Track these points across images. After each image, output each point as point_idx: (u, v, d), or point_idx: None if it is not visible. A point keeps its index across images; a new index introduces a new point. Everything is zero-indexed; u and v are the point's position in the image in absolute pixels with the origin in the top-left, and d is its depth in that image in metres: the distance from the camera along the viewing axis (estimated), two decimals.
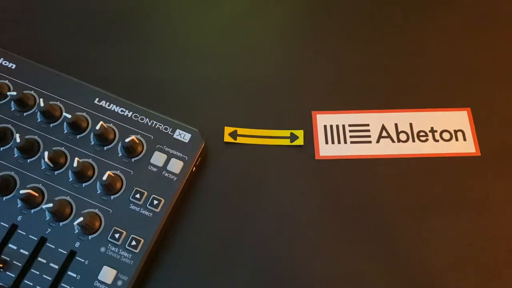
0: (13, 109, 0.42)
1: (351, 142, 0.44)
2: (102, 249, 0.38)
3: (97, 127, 0.40)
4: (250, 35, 0.50)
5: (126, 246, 0.38)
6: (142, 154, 0.41)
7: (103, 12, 0.50)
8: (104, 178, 0.38)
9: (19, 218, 0.39)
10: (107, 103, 0.42)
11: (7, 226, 0.38)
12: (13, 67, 0.44)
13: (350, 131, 0.45)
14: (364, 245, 0.40)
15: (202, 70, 0.48)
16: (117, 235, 0.38)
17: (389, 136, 0.44)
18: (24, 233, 0.38)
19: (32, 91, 0.43)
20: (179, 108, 0.45)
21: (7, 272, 0.37)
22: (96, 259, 0.37)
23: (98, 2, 0.51)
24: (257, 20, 0.50)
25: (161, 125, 0.42)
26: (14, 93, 0.41)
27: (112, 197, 0.39)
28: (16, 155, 0.40)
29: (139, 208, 0.39)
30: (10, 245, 0.38)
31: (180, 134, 0.42)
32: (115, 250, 0.38)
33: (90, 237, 0.38)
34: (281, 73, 0.47)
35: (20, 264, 0.37)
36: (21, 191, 0.38)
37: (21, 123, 0.42)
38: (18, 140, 0.39)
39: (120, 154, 0.41)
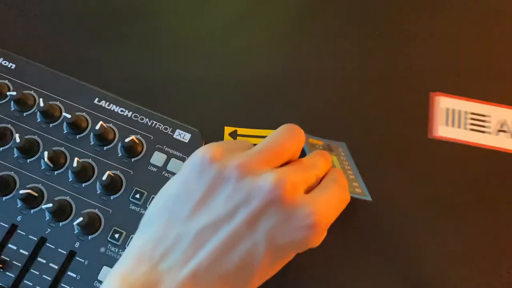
0: (12, 109, 0.42)
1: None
2: (102, 249, 0.38)
3: (97, 127, 0.40)
4: (251, 34, 0.50)
5: (126, 246, 0.38)
6: (142, 154, 0.41)
7: (103, 12, 0.50)
8: (104, 178, 0.38)
9: (19, 218, 0.39)
10: (107, 103, 0.42)
11: (7, 226, 0.38)
12: (13, 67, 0.44)
13: None
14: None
15: (202, 70, 0.48)
16: (117, 235, 0.38)
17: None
18: (24, 233, 0.38)
19: (32, 91, 0.43)
20: (179, 108, 0.45)
21: (7, 272, 0.37)
22: (96, 259, 0.37)
23: (98, 1, 0.51)
24: (257, 20, 0.50)
25: (161, 125, 0.42)
26: (14, 93, 0.41)
27: (112, 197, 0.39)
28: (15, 155, 0.40)
29: (139, 208, 0.39)
30: (9, 245, 0.38)
31: (180, 134, 0.42)
32: (115, 250, 0.38)
33: (90, 237, 0.38)
34: (281, 73, 0.47)
35: (19, 264, 0.37)
36: (21, 191, 0.38)
37: (21, 123, 0.41)
38: (17, 140, 0.39)
39: (120, 154, 0.41)
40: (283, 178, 0.29)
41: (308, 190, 0.32)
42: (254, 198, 0.29)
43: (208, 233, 0.29)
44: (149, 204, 0.39)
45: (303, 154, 0.35)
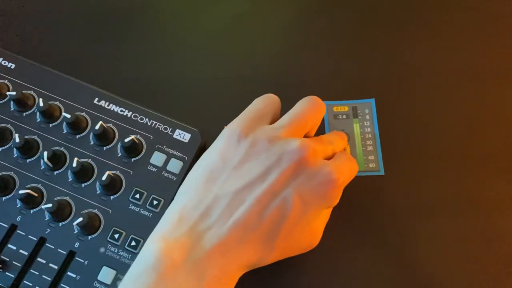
0: (12, 109, 0.42)
1: None
2: (102, 250, 0.38)
3: (97, 127, 0.40)
4: (251, 34, 0.50)
5: (126, 247, 0.38)
6: (142, 154, 0.41)
7: (103, 12, 0.50)
8: (104, 178, 0.38)
9: (19, 218, 0.39)
10: (107, 103, 0.42)
11: (7, 226, 0.38)
12: (12, 67, 0.44)
13: None
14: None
15: (202, 69, 0.48)
16: (116, 236, 0.38)
17: None
18: (24, 233, 0.38)
19: (32, 91, 0.43)
20: (179, 108, 0.45)
21: (7, 273, 0.37)
22: (95, 260, 0.37)
23: (98, 1, 0.51)
24: (258, 19, 0.50)
25: (160, 125, 0.42)
26: (14, 93, 0.41)
27: (111, 197, 0.39)
28: (15, 155, 0.40)
29: (138, 209, 0.39)
30: (9, 245, 0.38)
31: (180, 134, 0.42)
32: (115, 251, 0.38)
33: (89, 237, 0.38)
34: (281, 73, 0.47)
35: (19, 265, 0.37)
36: (21, 191, 0.38)
37: (21, 123, 0.41)
38: (17, 140, 0.39)
39: (120, 154, 0.41)
40: (307, 144, 0.34)
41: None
42: (284, 159, 0.34)
43: (244, 193, 0.33)
44: (148, 205, 0.39)
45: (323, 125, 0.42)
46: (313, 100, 0.38)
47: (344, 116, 0.44)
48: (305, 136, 0.37)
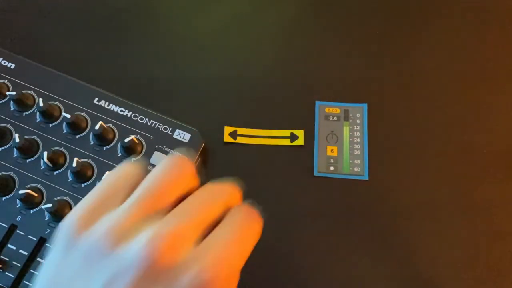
0: (12, 109, 0.42)
1: None
2: None
3: (97, 127, 0.40)
4: (251, 34, 0.50)
5: None
6: (142, 154, 0.41)
7: (103, 12, 0.50)
8: (104, 178, 0.38)
9: (18, 218, 0.39)
10: (107, 103, 0.42)
11: (6, 226, 0.38)
12: (12, 67, 0.44)
13: None
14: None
15: (202, 70, 0.48)
16: None
17: None
18: (23, 234, 0.38)
19: (32, 91, 0.43)
20: (178, 108, 0.45)
21: (6, 273, 0.37)
22: None
23: (98, 1, 0.51)
24: (257, 19, 0.50)
25: (160, 125, 0.42)
26: (13, 93, 0.41)
27: None
28: (15, 155, 0.40)
29: None
30: (9, 246, 0.38)
31: (179, 134, 0.42)
32: None
33: None
34: (281, 73, 0.47)
35: (19, 265, 0.37)
36: (20, 191, 0.38)
37: (20, 123, 0.41)
38: (17, 140, 0.39)
39: (120, 154, 0.41)
40: (159, 236, 0.23)
41: (210, 230, 0.25)
42: (129, 268, 0.23)
43: None
44: None
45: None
46: (173, 161, 0.27)
47: (335, 118, 0.45)
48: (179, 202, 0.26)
